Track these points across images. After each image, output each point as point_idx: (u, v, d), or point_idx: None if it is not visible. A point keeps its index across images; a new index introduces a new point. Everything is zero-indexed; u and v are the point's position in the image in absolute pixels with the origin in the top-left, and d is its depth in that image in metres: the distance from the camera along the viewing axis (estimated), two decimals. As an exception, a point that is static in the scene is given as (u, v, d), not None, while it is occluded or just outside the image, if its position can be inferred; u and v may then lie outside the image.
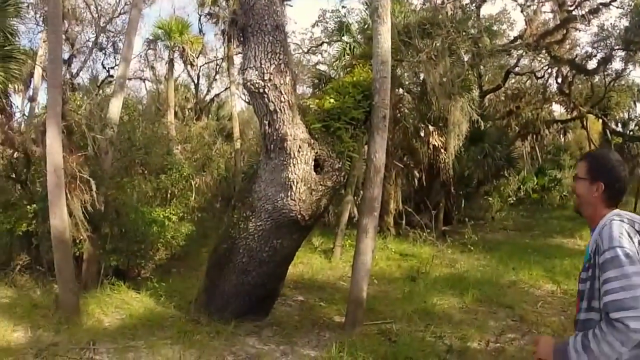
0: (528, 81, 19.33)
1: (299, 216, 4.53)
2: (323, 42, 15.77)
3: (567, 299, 6.05)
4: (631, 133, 23.05)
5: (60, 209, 4.93)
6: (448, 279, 7.17)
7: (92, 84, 18.59)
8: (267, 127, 4.44)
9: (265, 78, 4.24)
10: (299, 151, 4.42)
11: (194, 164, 10.16)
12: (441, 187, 12.27)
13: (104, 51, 19.17)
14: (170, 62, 15.80)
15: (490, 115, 14.77)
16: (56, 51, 5.30)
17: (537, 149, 24.17)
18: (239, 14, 4.44)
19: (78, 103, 7.49)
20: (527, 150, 23.23)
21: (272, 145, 4.49)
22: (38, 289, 6.12)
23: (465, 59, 10.38)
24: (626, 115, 23.72)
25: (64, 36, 15.54)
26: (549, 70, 17.98)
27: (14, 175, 6.92)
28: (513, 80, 18.81)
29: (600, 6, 13.14)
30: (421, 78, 11.38)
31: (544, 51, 14.14)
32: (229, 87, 15.56)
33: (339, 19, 13.13)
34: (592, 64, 16.01)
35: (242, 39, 4.50)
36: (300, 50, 16.40)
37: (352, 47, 11.04)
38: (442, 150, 11.42)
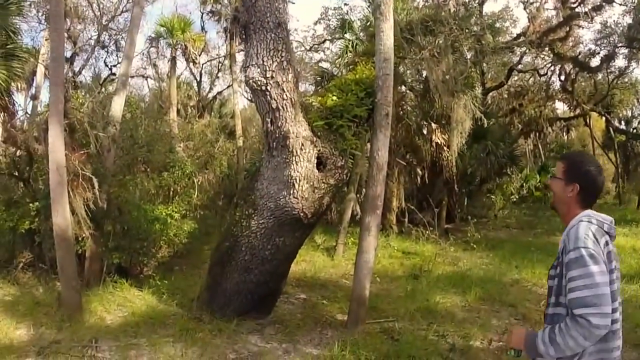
0: (531, 79, 19.29)
1: (302, 214, 4.52)
2: (325, 40, 15.74)
3: (570, 298, 6.02)
4: (634, 131, 22.97)
5: (63, 207, 4.93)
6: (451, 277, 7.15)
7: (94, 82, 18.60)
8: (269, 125, 4.42)
9: (268, 75, 4.22)
10: (301, 149, 4.41)
11: (196, 161, 10.16)
12: (444, 185, 12.24)
13: (106, 49, 19.20)
14: (173, 60, 15.80)
15: (493, 113, 14.72)
16: (58, 49, 5.29)
17: (540, 146, 24.11)
18: (241, 11, 4.42)
19: (80, 101, 7.49)
20: (530, 148, 23.18)
21: (274, 143, 4.47)
22: (40, 286, 6.12)
23: (468, 57, 10.34)
24: (629, 113, 23.66)
25: (66, 34, 15.55)
26: (552, 68, 17.96)
27: (16, 173, 6.93)
28: (516, 78, 18.77)
29: (603, 3, 13.07)
30: (424, 75, 11.34)
31: (547, 48, 14.09)
32: (232, 85, 15.54)
33: (341, 17, 13.10)
34: (595, 62, 16.00)
35: (244, 36, 4.48)
36: (303, 48, 16.37)
37: (354, 44, 11.00)
38: (445, 148, 11.39)
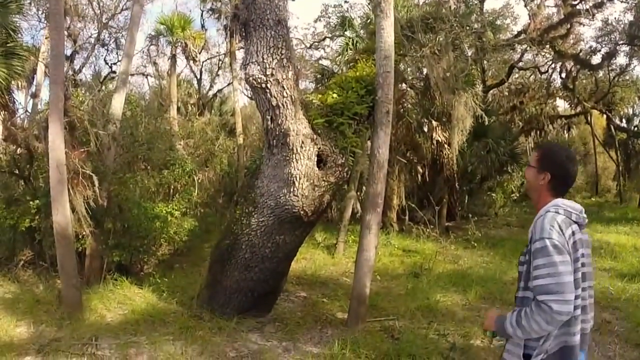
0: (532, 76, 19.24)
1: (302, 212, 4.51)
2: (325, 37, 15.73)
3: (571, 296, 6.01)
4: (635, 129, 22.91)
5: (63, 205, 4.92)
6: (451, 275, 7.15)
7: (94, 80, 18.58)
8: (269, 123, 4.41)
9: (268, 73, 4.21)
10: (301, 147, 4.40)
11: (196, 159, 10.17)
12: (444, 183, 12.21)
13: (106, 47, 19.20)
14: (173, 58, 15.76)
15: (493, 111, 14.67)
16: (58, 47, 5.28)
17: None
18: (241, 8, 4.40)
19: (80, 99, 7.47)
20: (530, 145, 23.10)
21: (274, 141, 4.46)
22: (41, 284, 6.13)
23: (469, 54, 10.31)
24: (630, 111, 23.59)
25: (66, 32, 15.53)
26: (553, 65, 17.90)
27: (17, 171, 6.93)
28: (517, 75, 18.72)
29: (605, 0, 13.01)
30: (424, 73, 11.31)
31: (547, 46, 14.04)
32: (232, 83, 15.52)
33: (341, 14, 13.07)
34: (596, 59, 15.96)
35: (244, 33, 4.46)
36: (303, 46, 16.35)
37: (354, 42, 10.97)
38: (446, 146, 11.37)
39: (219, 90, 23.27)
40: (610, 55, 15.51)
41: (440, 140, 11.44)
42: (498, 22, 13.39)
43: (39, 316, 4.90)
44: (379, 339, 4.47)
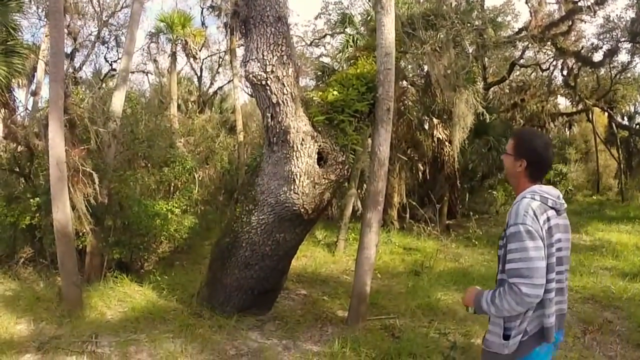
0: (533, 73, 19.16)
1: (302, 210, 4.49)
2: (326, 34, 15.66)
3: (573, 295, 5.97)
4: (637, 127, 22.86)
5: (63, 203, 4.92)
6: (452, 273, 7.13)
7: (95, 78, 18.58)
8: (269, 120, 4.39)
9: (268, 70, 4.18)
10: (302, 144, 4.38)
11: (197, 156, 10.14)
12: (445, 181, 12.19)
13: (106, 45, 19.19)
14: (173, 55, 15.72)
15: (494, 108, 14.64)
16: (58, 45, 5.26)
17: (542, 142, 23.94)
18: (241, 5, 4.37)
19: (81, 97, 7.45)
20: (531, 143, 23.02)
21: (274, 138, 4.44)
22: (41, 281, 6.13)
23: (470, 51, 10.27)
24: (632, 109, 23.51)
25: (66, 30, 15.52)
26: (554, 63, 17.81)
27: (17, 169, 6.93)
28: (518, 73, 18.65)
29: (606, -3, 12.95)
30: (425, 70, 11.27)
31: (549, 43, 13.97)
32: (232, 80, 15.46)
33: (341, 11, 13.02)
34: (597, 56, 15.86)
35: (244, 30, 4.43)
36: (303, 43, 16.29)
37: (355, 39, 10.93)
38: (447, 143, 11.34)
39: (220, 88, 23.25)
40: (612, 53, 15.43)
41: (441, 138, 11.41)
42: (499, 19, 13.33)
43: (39, 314, 4.90)
44: (380, 337, 4.46)
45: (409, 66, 11.62)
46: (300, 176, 4.40)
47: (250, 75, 4.23)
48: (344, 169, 4.72)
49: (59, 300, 5.24)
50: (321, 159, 4.60)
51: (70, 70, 16.71)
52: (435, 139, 11.48)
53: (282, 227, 4.63)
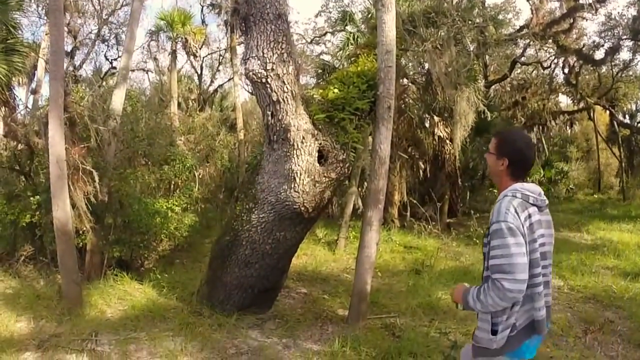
0: (534, 71, 19.12)
1: (303, 208, 4.48)
2: (326, 32, 15.62)
3: (574, 295, 5.96)
4: (639, 125, 22.77)
5: (63, 201, 4.91)
6: (453, 272, 7.11)
7: (95, 76, 18.57)
8: (269, 118, 4.37)
9: (268, 68, 4.17)
10: (302, 142, 4.36)
11: (197, 154, 10.13)
12: (446, 179, 12.17)
13: (106, 43, 19.20)
14: (173, 54, 15.72)
15: (495, 106, 14.60)
16: (58, 43, 5.24)
17: (543, 140, 23.96)
18: (241, 2, 4.35)
19: (81, 95, 7.44)
20: (533, 141, 23.02)
21: (275, 136, 4.43)
22: (41, 279, 6.14)
23: (471, 49, 10.23)
24: (634, 107, 23.44)
25: (66, 29, 15.50)
26: (556, 60, 17.78)
27: (17, 167, 6.92)
28: (519, 71, 18.61)
29: (608, -5, 12.91)
30: (426, 68, 11.24)
31: (550, 41, 13.93)
32: (232, 78, 15.44)
33: (342, 9, 13.00)
34: (599, 54, 15.82)
35: (244, 28, 4.41)
36: (304, 41, 16.25)
37: (355, 37, 10.91)
38: (448, 142, 11.32)
39: (220, 86, 23.24)
40: (613, 50, 15.38)
41: (442, 136, 11.40)
42: (500, 17, 13.27)
43: (39, 311, 4.90)
44: (380, 336, 4.45)
45: (410, 64, 11.59)
46: (300, 174, 4.39)
47: (251, 73, 4.21)
48: (344, 167, 4.70)
49: (59, 298, 5.24)
50: (322, 157, 4.59)
51: (71, 68, 16.71)
52: (436, 137, 11.46)
53: (283, 225, 4.62)
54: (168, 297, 5.46)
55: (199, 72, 22.25)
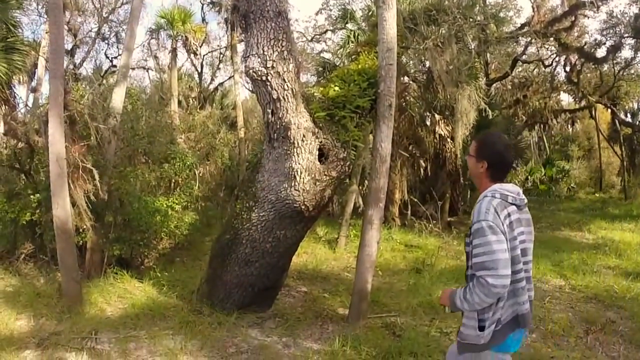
0: (535, 69, 19.08)
1: (303, 207, 4.46)
2: (327, 30, 15.61)
3: (575, 294, 5.94)
4: (641, 123, 22.71)
5: (63, 199, 4.90)
6: (454, 271, 7.08)
7: (95, 74, 18.55)
8: (270, 116, 4.35)
9: (268, 65, 4.14)
10: (302, 140, 4.34)
11: (197, 153, 10.11)
12: (447, 177, 12.15)
13: (106, 41, 19.20)
14: (174, 52, 15.70)
15: (497, 104, 14.57)
16: (57, 42, 5.23)
17: (544, 139, 23.93)
18: (241, 0, 4.33)
19: (81, 93, 7.43)
20: (534, 140, 22.99)
21: (275, 134, 4.41)
22: (42, 277, 6.13)
23: (472, 47, 10.19)
24: (636, 106, 23.39)
25: (66, 27, 15.50)
26: (557, 59, 17.74)
27: (18, 165, 6.92)
28: (520, 69, 18.58)
29: (610, -8, 12.85)
30: (427, 66, 11.20)
31: (551, 39, 13.89)
32: (233, 76, 15.44)
33: (342, 6, 12.97)
34: (601, 52, 15.77)
35: (244, 25, 4.39)
36: (304, 39, 16.23)
37: (356, 34, 10.88)
38: (449, 140, 11.29)
39: (220, 84, 23.22)
40: (615, 49, 15.34)
41: (443, 134, 11.37)
42: (501, 14, 13.25)
43: (39, 309, 4.89)
44: (380, 335, 4.43)
45: (411, 62, 11.55)
46: (301, 173, 4.37)
47: (251, 71, 4.19)
48: (345, 165, 4.68)
49: (59, 296, 5.23)
50: (322, 156, 4.56)
51: (71, 66, 16.71)
52: (437, 136, 11.43)
53: (283, 224, 4.60)
54: (168, 295, 5.45)
55: (200, 70, 22.25)
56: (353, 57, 6.23)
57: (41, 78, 14.69)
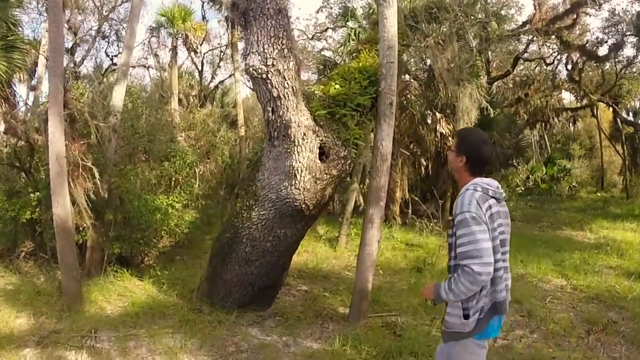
0: (537, 68, 19.02)
1: (303, 205, 4.44)
2: (328, 28, 15.58)
3: (577, 294, 5.91)
4: (642, 122, 22.62)
5: (63, 197, 4.88)
6: (454, 269, 7.07)
7: (96, 73, 18.55)
8: (270, 114, 4.33)
9: (268, 63, 4.12)
10: (303, 138, 4.32)
11: (198, 151, 10.10)
12: (448, 176, 12.10)
13: (107, 39, 19.17)
14: (174, 50, 15.67)
15: (498, 103, 14.51)
16: (57, 40, 5.21)
17: (546, 137, 23.88)
18: (241, -3, 4.30)
19: (81, 91, 7.41)
20: (536, 139, 22.94)
21: (275, 133, 4.39)
22: (42, 275, 6.13)
23: (473, 44, 10.15)
24: (638, 104, 23.29)
25: (66, 25, 15.50)
26: (559, 57, 17.67)
27: (18, 164, 6.91)
28: (522, 67, 18.52)
29: (613, -10, 12.80)
30: (428, 64, 11.17)
31: (553, 37, 13.84)
32: (233, 74, 15.40)
33: (343, 4, 12.92)
34: (602, 50, 15.72)
35: (243, 23, 4.37)
36: (305, 37, 16.20)
37: (357, 32, 10.84)
38: (450, 138, 11.25)
39: (221, 82, 23.18)
40: (617, 47, 15.28)
41: (444, 133, 11.33)
42: (503, 12, 13.19)
43: (39, 308, 4.89)
44: (381, 335, 4.41)
45: (412, 60, 11.52)
46: (301, 171, 4.35)
47: (251, 69, 4.17)
48: (345, 164, 4.66)
49: (59, 294, 5.22)
50: (323, 154, 4.55)
51: (71, 65, 16.68)
52: (438, 134, 11.39)
53: (283, 222, 4.59)
54: (168, 294, 5.44)
55: (200, 68, 22.21)
56: (354, 55, 6.21)
57: (41, 76, 14.67)
